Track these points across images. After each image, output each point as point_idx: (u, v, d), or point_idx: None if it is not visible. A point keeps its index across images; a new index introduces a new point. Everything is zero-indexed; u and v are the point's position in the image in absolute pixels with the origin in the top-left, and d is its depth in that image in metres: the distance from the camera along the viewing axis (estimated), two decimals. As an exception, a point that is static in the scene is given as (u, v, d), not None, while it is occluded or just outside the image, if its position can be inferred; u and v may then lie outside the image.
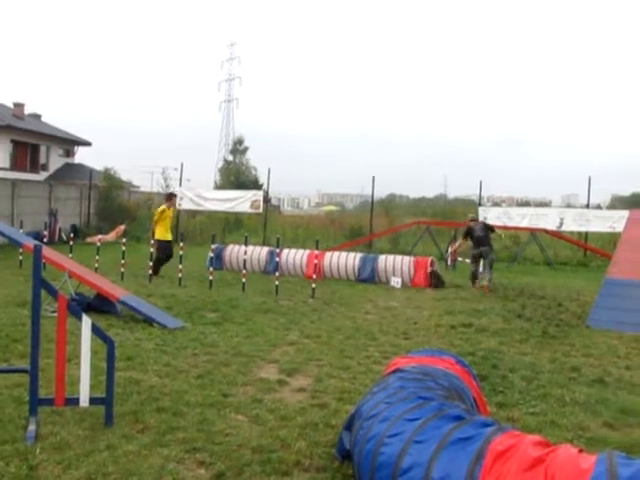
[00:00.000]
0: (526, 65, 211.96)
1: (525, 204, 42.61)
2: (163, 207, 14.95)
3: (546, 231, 23.53)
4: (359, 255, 16.00)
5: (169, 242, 14.84)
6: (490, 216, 25.55)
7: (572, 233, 25.46)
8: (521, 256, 23.83)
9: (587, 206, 26.81)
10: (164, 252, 14.61)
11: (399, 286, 14.49)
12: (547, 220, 24.86)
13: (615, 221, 22.13)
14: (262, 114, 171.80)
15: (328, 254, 16.21)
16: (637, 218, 12.63)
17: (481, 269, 15.53)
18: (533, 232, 23.63)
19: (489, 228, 15.73)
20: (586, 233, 25.55)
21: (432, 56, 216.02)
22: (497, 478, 2.75)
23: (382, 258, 15.58)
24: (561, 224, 24.82)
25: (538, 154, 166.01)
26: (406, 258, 15.47)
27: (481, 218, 25.15)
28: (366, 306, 11.56)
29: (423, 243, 23.38)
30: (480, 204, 27.39)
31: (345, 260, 15.74)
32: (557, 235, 24.00)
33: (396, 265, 15.11)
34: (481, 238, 15.22)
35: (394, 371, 4.14)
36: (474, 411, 3.90)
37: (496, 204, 44.68)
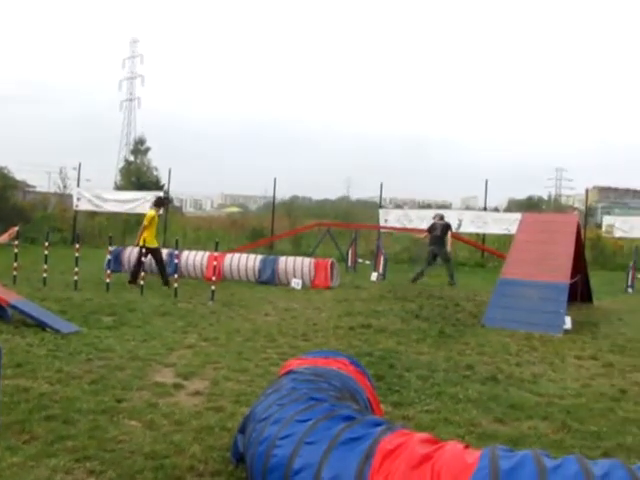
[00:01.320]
0: (431, 66, 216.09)
1: (426, 206, 43.53)
2: (152, 213, 14.39)
3: (445, 233, 24.04)
4: (259, 257, 15.97)
5: (158, 248, 14.53)
6: (390, 218, 26.01)
7: (470, 235, 26.13)
8: (421, 257, 24.27)
9: (484, 209, 27.59)
10: (159, 256, 14.38)
11: (299, 287, 14.54)
12: (446, 222, 25.38)
13: (510, 223, 22.78)
14: (165, 114, 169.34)
15: (229, 256, 16.12)
16: (529, 221, 13.10)
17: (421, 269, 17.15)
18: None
19: (448, 229, 17.40)
20: (483, 235, 26.29)
21: (334, 54, 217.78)
22: (386, 477, 2.78)
23: (282, 260, 15.60)
24: (459, 226, 25.44)
25: (442, 156, 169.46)
26: (306, 260, 15.54)
27: (382, 221, 25.57)
28: (266, 308, 11.54)
29: (324, 245, 23.54)
30: (381, 206, 27.81)
31: (245, 262, 15.68)
32: (455, 237, 24.55)
33: (296, 266, 15.15)
34: (437, 237, 17.08)
35: (287, 373, 4.15)
36: (367, 411, 3.94)
37: (398, 206, 45.42)
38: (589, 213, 39.40)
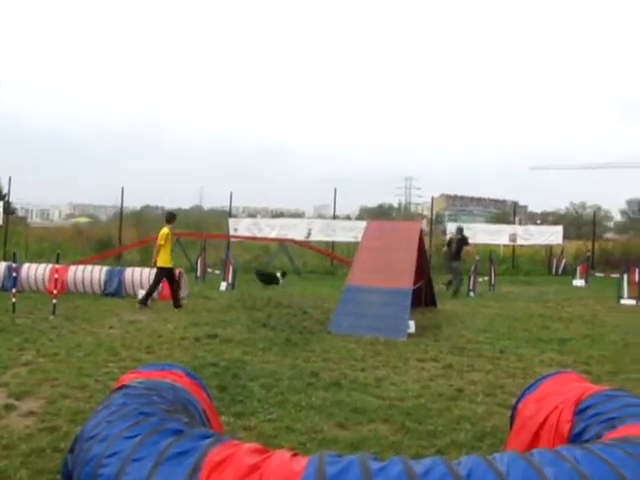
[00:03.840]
0: (284, 71, 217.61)
1: (279, 215, 43.82)
2: (166, 230, 13.56)
3: (294, 241, 24.28)
4: (105, 268, 15.50)
5: (171, 269, 13.62)
6: (240, 227, 25.99)
7: (320, 243, 26.50)
8: (271, 266, 24.36)
9: (334, 217, 28.06)
10: (170, 278, 13.50)
11: (147, 299, 14.20)
12: (296, 230, 25.72)
13: (359, 231, 23.23)
14: (13, 120, 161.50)
15: (72, 268, 15.54)
16: (373, 228, 13.41)
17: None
18: (282, 242, 24.27)
19: (464, 243, 18.48)
20: (333, 243, 26.72)
21: (182, 54, 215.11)
22: (214, 489, 2.72)
23: (129, 271, 15.22)
24: (309, 234, 25.77)
25: (297, 164, 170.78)
26: (154, 270, 15.19)
27: (232, 230, 25.49)
28: (111, 321, 11.18)
29: (174, 254, 23.11)
30: (231, 215, 27.72)
31: (90, 274, 15.17)
32: (305, 245, 24.87)
33: (144, 278, 14.81)
34: (455, 253, 18.13)
35: (120, 388, 4.01)
36: (202, 423, 3.86)
37: (251, 215, 45.47)
38: (437, 220, 40.77)
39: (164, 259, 13.44)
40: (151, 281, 13.80)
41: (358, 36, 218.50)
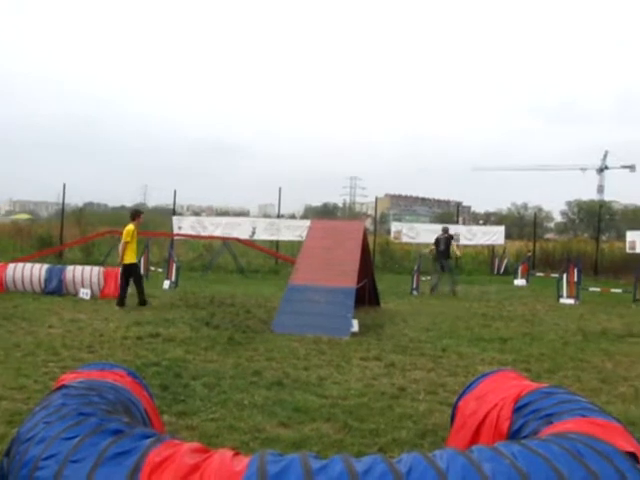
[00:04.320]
0: (229, 69, 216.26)
1: (224, 213, 43.59)
2: (132, 227, 13.24)
3: (239, 240, 24.18)
4: (45, 266, 15.18)
5: (136, 264, 13.54)
6: (184, 225, 25.78)
7: (264, 242, 26.45)
8: (215, 264, 24.25)
9: (278, 216, 28.04)
10: (138, 274, 13.42)
11: (88, 297, 14.00)
12: (241, 229, 25.63)
13: (303, 230, 23.28)
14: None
15: (11, 266, 15.19)
16: (317, 227, 13.44)
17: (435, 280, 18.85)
18: (226, 241, 24.15)
19: (451, 240, 19.24)
20: (277, 241, 26.70)
21: (124, 51, 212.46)
22: (154, 490, 2.69)
23: (70, 269, 14.94)
24: (253, 233, 25.70)
25: (242, 163, 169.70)
26: (95, 269, 14.98)
27: (175, 228, 25.28)
28: (51, 320, 10.96)
29: (117, 253, 22.85)
30: (175, 213, 27.47)
31: (30, 272, 14.84)
32: (249, 244, 24.77)
33: (85, 276, 14.56)
34: (443, 252, 18.89)
35: (59, 388, 3.94)
36: (143, 423, 3.82)
37: (196, 213, 45.20)
38: (382, 220, 40.92)
39: (130, 256, 13.32)
40: (118, 280, 13.71)
41: (303, 33, 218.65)
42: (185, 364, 7.79)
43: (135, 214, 13.99)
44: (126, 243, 13.21)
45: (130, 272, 13.26)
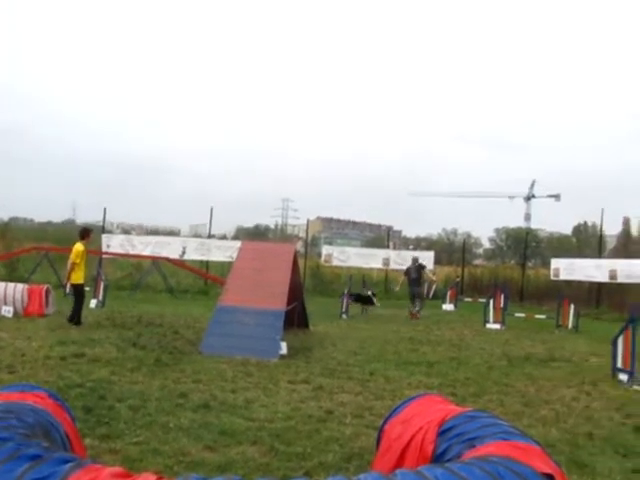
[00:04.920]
0: (152, 86, 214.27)
1: (154, 232, 43.12)
2: (81, 247, 12.86)
3: (168, 259, 23.94)
4: (-34, 283, 14.75)
5: (83, 285, 13.15)
6: (113, 244, 25.45)
7: (194, 262, 26.25)
8: (143, 284, 23.91)
9: (209, 236, 27.89)
10: (82, 296, 13.00)
11: (10, 315, 13.64)
12: (170, 249, 25.42)
13: (234, 251, 23.22)
14: None
15: None
16: (247, 249, 13.40)
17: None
18: (155, 260, 23.87)
19: (422, 268, 20.83)
20: (207, 262, 26.53)
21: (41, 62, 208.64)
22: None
23: (-8, 286, 14.54)
24: (184, 253, 25.50)
25: (175, 181, 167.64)
26: (19, 286, 14.59)
27: (104, 246, 24.88)
28: (-30, 339, 10.64)
29: (42, 270, 22.37)
30: (104, 231, 27.05)
31: (-51, 289, 14.40)
32: (179, 264, 24.53)
33: (8, 293, 14.16)
34: (415, 280, 20.33)
35: (-25, 410, 3.81)
36: (63, 447, 3.73)
37: (126, 231, 44.56)
38: (313, 242, 40.96)
39: (78, 276, 13.09)
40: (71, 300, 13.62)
41: (240, 53, 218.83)
42: (110, 385, 7.63)
43: (84, 233, 13.78)
44: (74, 264, 12.98)
45: (79, 291, 13.10)
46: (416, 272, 20.43)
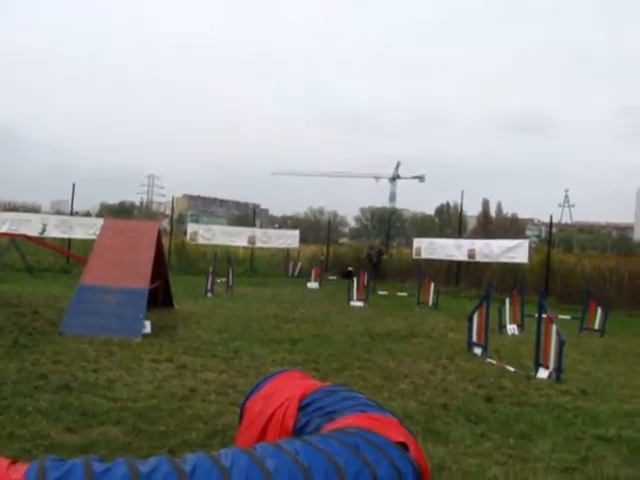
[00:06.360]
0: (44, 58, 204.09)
1: (12, 209, 41.41)
2: None
3: (27, 237, 23.03)
4: None
5: None
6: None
7: (55, 239, 25.40)
8: (1, 262, 22.93)
9: (71, 213, 27.06)
10: None
11: None
12: (30, 225, 24.49)
13: (98, 229, 22.60)
14: None
15: None
16: (110, 227, 13.10)
17: None
18: (13, 238, 22.91)
19: (381, 254, 23.00)
20: (69, 240, 25.74)
21: None
22: None
23: None
24: (44, 230, 24.63)
25: (34, 155, 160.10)
26: None
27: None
28: None
29: None
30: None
31: None
32: (39, 242, 23.64)
33: None
34: (376, 264, 22.06)
35: None
36: None
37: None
38: (179, 220, 40.49)
39: None
40: None
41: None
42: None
43: None
44: None
45: None
46: (376, 256, 21.65)
